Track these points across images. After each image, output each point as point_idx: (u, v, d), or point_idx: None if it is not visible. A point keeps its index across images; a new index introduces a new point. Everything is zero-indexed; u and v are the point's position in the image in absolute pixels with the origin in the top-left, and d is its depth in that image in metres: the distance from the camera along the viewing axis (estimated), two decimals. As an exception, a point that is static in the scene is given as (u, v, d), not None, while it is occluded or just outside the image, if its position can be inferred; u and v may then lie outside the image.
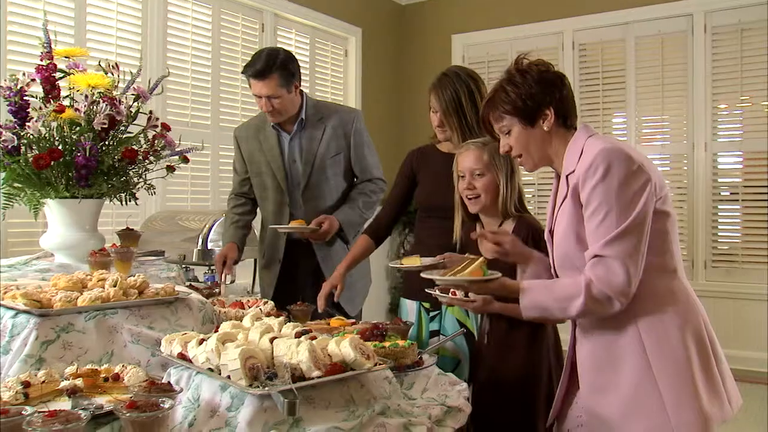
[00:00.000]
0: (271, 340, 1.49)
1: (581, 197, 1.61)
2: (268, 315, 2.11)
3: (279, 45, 4.94)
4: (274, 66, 2.68)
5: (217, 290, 2.61)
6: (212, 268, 3.16)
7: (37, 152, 2.15)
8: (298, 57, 5.07)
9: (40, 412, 1.23)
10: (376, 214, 2.73)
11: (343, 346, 1.47)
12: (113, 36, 3.79)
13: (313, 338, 1.53)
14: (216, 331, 1.84)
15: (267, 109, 2.75)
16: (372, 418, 1.41)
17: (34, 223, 3.29)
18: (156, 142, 2.32)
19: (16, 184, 2.20)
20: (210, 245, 3.30)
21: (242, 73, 2.80)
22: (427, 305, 2.62)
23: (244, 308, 2.29)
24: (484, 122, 1.84)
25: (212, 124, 4.44)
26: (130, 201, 2.41)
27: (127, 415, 1.20)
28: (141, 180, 2.33)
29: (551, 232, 1.78)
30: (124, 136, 2.34)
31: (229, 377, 1.37)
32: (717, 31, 4.82)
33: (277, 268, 2.94)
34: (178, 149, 2.41)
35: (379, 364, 1.50)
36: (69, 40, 3.51)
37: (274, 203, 2.92)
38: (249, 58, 4.58)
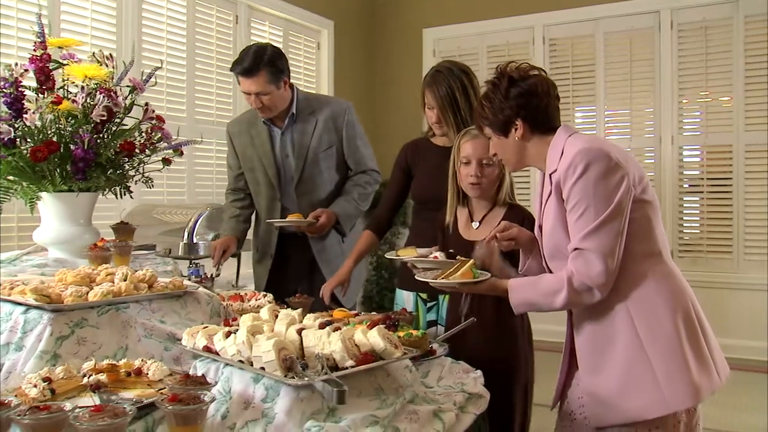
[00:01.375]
0: (299, 332, 1.50)
1: (563, 194, 1.70)
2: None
3: (253, 37, 4.90)
4: (261, 63, 2.67)
5: (216, 274, 2.62)
6: (196, 262, 3.13)
7: (32, 144, 2.11)
8: (271, 50, 5.05)
9: (81, 407, 1.22)
10: (376, 210, 2.76)
11: (371, 336, 1.49)
12: (88, 26, 3.70)
13: (338, 329, 1.54)
14: (226, 324, 1.85)
15: (257, 105, 2.74)
16: (403, 405, 1.44)
17: (7, 219, 3.21)
18: (153, 134, 2.29)
19: (10, 177, 2.14)
20: (195, 239, 3.26)
21: (231, 70, 2.77)
22: (423, 296, 2.65)
23: (243, 301, 2.29)
24: (476, 126, 1.95)
25: (187, 116, 4.38)
26: (124, 194, 2.37)
27: (170, 408, 1.20)
28: (138, 173, 2.29)
29: (540, 227, 1.85)
30: (118, 128, 2.30)
31: (262, 369, 1.38)
32: (683, 28, 4.98)
33: (269, 262, 2.94)
34: (174, 142, 2.38)
35: (406, 353, 1.52)
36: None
37: (266, 198, 2.92)
38: (223, 50, 4.63)
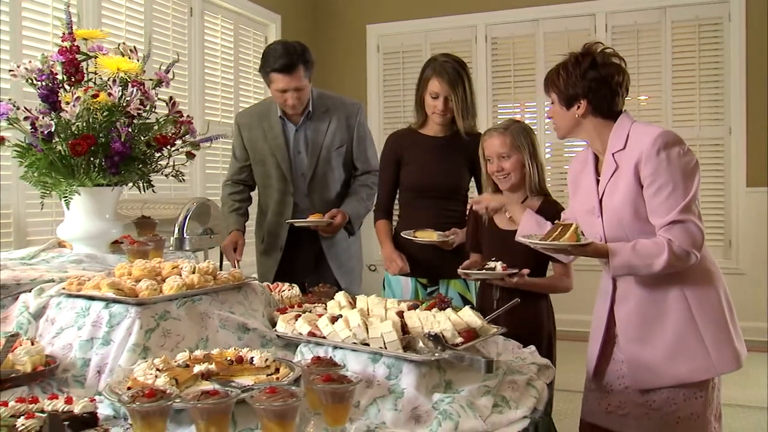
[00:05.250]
0: (400, 314, 1.59)
1: (643, 173, 1.87)
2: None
3: (206, 30, 4.84)
4: (298, 58, 2.70)
5: None
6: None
7: (63, 138, 2.06)
8: (223, 43, 5.02)
9: (245, 389, 1.26)
10: (378, 202, 2.86)
11: (466, 315, 1.61)
12: (49, 24, 3.55)
13: (429, 308, 1.66)
14: (282, 312, 1.92)
15: (292, 102, 2.76)
16: (503, 376, 1.56)
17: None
18: (182, 128, 2.28)
19: (39, 172, 2.07)
20: (186, 233, 3.24)
21: (262, 69, 2.77)
22: (423, 281, 2.79)
23: (272, 291, 2.33)
24: (544, 86, 2.11)
25: (146, 110, 4.27)
26: (147, 189, 2.34)
27: (329, 387, 1.26)
28: (169, 166, 2.28)
29: (600, 202, 2.00)
30: (141, 122, 2.27)
31: (380, 348, 1.46)
32: (616, 30, 5.36)
33: (278, 255, 2.97)
34: (199, 137, 2.37)
35: (497, 329, 1.65)
36: (4, 17, 3.27)
37: (278, 192, 2.94)
38: (179, 43, 4.54)
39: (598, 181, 2.02)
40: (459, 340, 1.51)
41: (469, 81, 2.71)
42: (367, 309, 1.72)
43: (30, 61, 2.04)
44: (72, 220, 2.20)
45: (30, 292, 1.81)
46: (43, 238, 3.41)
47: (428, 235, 2.55)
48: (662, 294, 1.93)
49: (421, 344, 1.45)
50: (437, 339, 1.47)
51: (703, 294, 1.92)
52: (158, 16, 4.39)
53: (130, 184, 2.29)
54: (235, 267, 2.79)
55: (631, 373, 2.00)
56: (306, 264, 2.93)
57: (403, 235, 2.64)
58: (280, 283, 2.44)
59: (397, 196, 2.89)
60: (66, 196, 2.07)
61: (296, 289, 2.34)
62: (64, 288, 1.76)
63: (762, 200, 5.03)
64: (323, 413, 1.29)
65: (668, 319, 1.93)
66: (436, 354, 1.41)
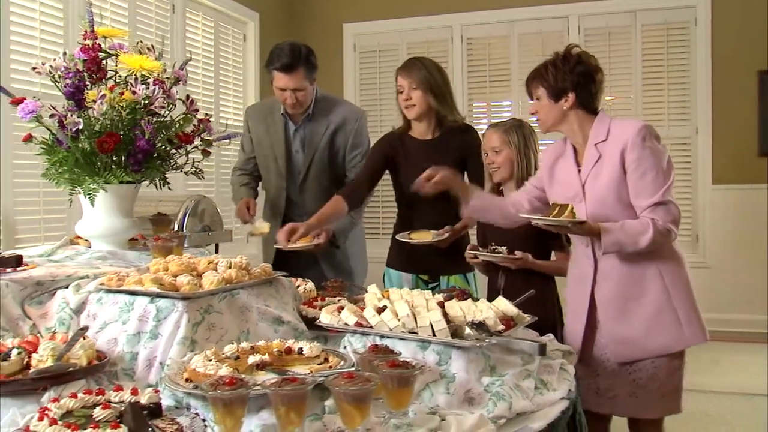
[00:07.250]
0: (440, 304, 1.67)
1: (628, 159, 2.04)
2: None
3: (188, 27, 4.83)
4: (300, 60, 2.75)
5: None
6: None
7: (87, 136, 2.07)
8: (203, 40, 5.02)
9: (323, 375, 1.32)
10: (354, 179, 2.90)
11: (503, 304, 1.70)
12: (37, 20, 3.51)
13: (461, 299, 1.74)
14: (310, 305, 1.97)
15: (290, 101, 2.81)
16: (540, 361, 1.66)
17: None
18: (201, 126, 2.31)
19: (62, 169, 2.08)
20: (185, 230, 3.25)
21: (267, 66, 2.82)
22: (425, 277, 2.87)
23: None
24: (527, 84, 2.26)
25: (131, 107, 4.24)
26: (163, 186, 2.36)
27: (396, 372, 1.34)
28: (188, 163, 2.30)
29: (583, 187, 2.14)
30: (159, 120, 2.29)
31: (429, 336, 1.54)
32: (588, 32, 5.54)
33: (272, 251, 3.00)
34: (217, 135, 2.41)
35: (529, 317, 1.75)
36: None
37: (275, 187, 3.00)
38: (161, 40, 4.51)
39: (579, 171, 2.17)
40: (501, 327, 1.60)
41: (430, 69, 2.75)
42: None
43: (54, 59, 2.05)
44: (92, 217, 2.21)
45: (66, 288, 1.82)
46: (32, 236, 3.38)
47: (423, 236, 2.64)
48: (641, 272, 2.10)
49: (468, 331, 1.53)
50: (481, 326, 1.55)
51: (675, 273, 2.12)
52: (141, 13, 4.37)
53: (149, 181, 2.31)
54: (249, 223, 2.84)
55: (612, 350, 2.16)
56: (299, 263, 2.93)
57: (398, 238, 2.70)
58: (293, 278, 2.50)
59: (396, 197, 2.96)
60: (90, 194, 2.08)
61: (311, 284, 2.39)
62: (102, 284, 1.78)
63: (726, 197, 5.28)
64: (387, 397, 1.36)
65: (646, 295, 2.10)
66: (487, 340, 1.50)
